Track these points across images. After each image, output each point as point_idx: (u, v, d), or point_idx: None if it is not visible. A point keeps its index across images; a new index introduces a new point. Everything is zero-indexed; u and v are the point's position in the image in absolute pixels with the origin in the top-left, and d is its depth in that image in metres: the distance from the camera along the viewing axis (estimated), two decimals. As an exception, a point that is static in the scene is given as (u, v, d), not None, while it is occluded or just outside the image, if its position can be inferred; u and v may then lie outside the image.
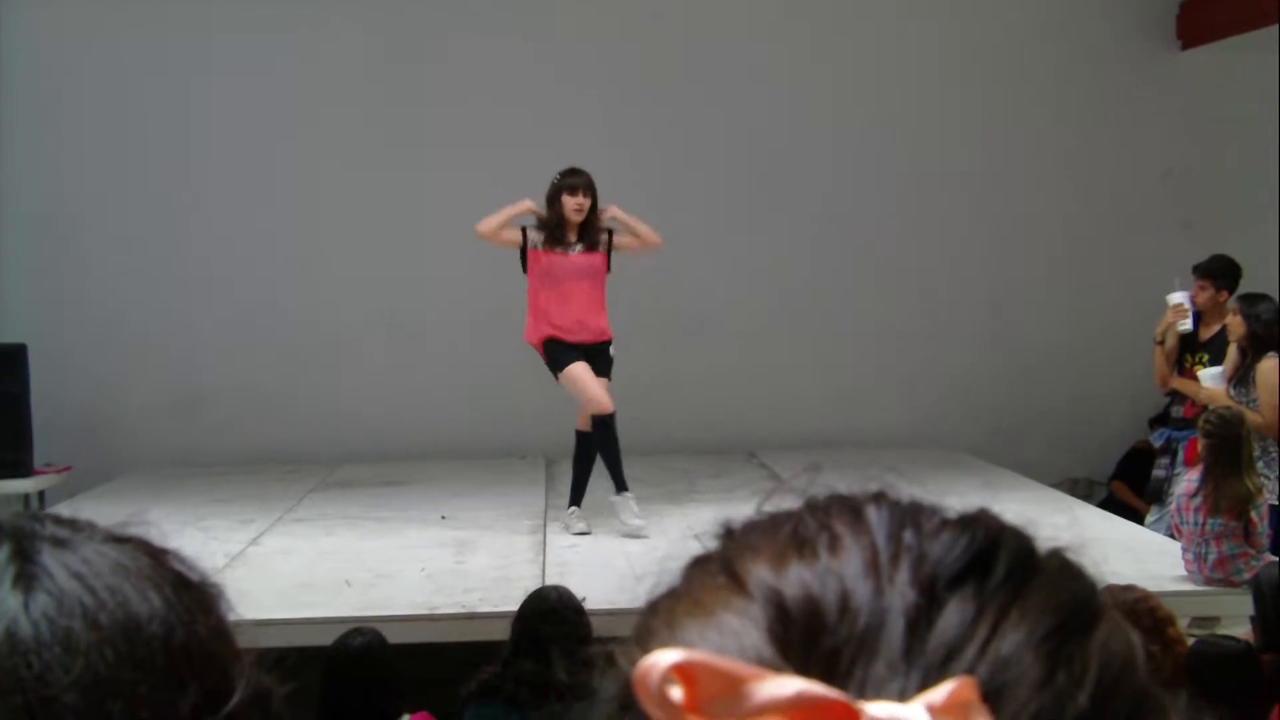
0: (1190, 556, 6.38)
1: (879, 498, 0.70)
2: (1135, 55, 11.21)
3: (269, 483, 9.63)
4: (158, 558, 0.92)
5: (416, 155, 10.75)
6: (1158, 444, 8.53)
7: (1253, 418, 7.26)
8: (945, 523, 0.67)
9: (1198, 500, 6.28)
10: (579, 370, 7.75)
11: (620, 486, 7.80)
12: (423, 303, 10.75)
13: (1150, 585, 4.81)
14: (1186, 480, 6.58)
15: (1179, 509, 6.50)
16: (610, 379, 7.93)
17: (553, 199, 7.84)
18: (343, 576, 6.83)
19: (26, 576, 0.85)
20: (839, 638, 0.62)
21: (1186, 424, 7.91)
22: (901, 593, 0.63)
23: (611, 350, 7.97)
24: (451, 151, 10.69)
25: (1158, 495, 8.28)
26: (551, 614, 4.86)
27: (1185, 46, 11.16)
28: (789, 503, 0.72)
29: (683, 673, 0.58)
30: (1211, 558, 6.26)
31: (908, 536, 0.66)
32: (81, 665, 0.81)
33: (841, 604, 0.63)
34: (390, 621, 5.61)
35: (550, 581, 6.08)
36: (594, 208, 7.87)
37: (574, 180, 7.81)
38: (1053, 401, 11.07)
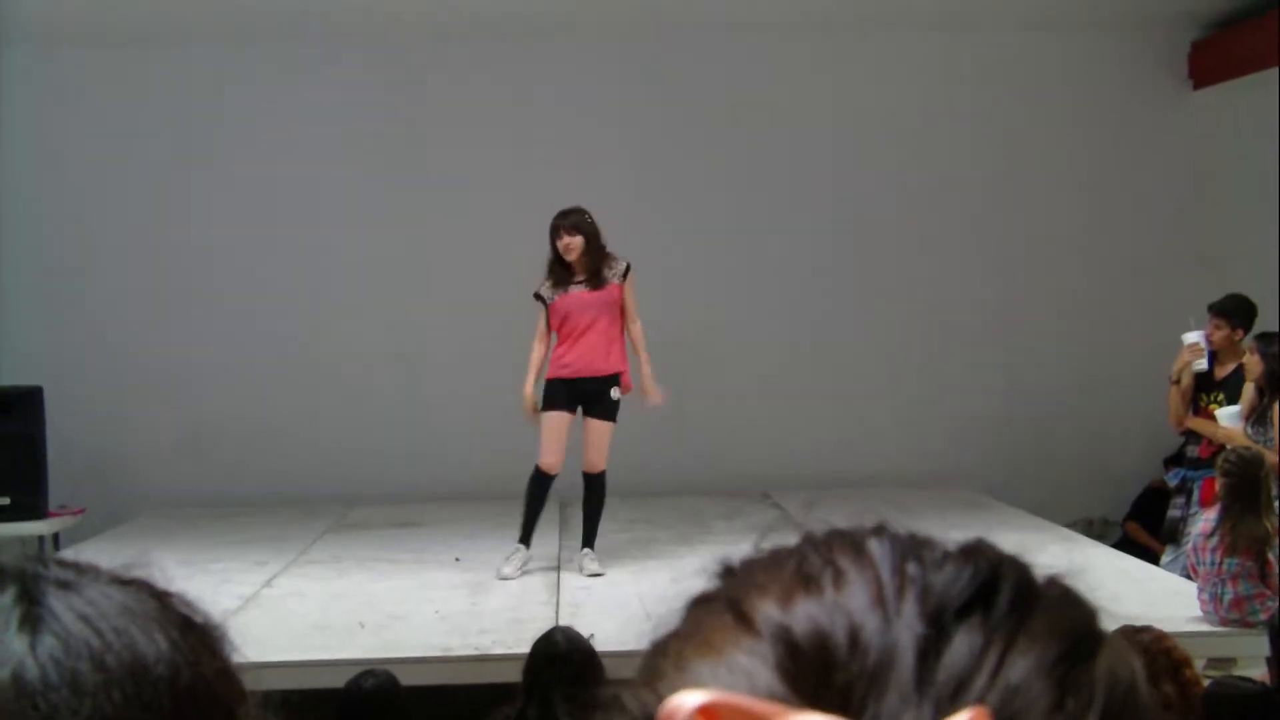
0: (1206, 597, 6.35)
1: (879, 531, 0.70)
2: (1147, 95, 11.23)
3: (282, 524, 9.62)
4: (163, 600, 0.92)
5: (428, 194, 10.78)
6: (1173, 484, 8.50)
7: (1270, 457, 7.24)
8: (948, 554, 0.68)
9: (1214, 540, 6.25)
10: (550, 419, 7.89)
11: (525, 540, 7.92)
12: (436, 344, 10.76)
13: (1165, 626, 4.78)
14: (1203, 520, 6.56)
15: (1195, 549, 6.47)
16: (615, 421, 7.93)
17: (551, 241, 7.93)
18: (356, 618, 6.83)
19: (33, 619, 0.85)
20: (850, 672, 0.62)
21: (1202, 463, 7.89)
22: (909, 625, 0.63)
23: (615, 393, 7.93)
24: (462, 191, 10.72)
25: (1173, 535, 8.24)
26: (559, 658, 4.84)
27: (1197, 86, 11.18)
28: (787, 539, 0.72)
29: (707, 714, 0.58)
30: (1228, 598, 6.23)
31: (911, 569, 0.66)
32: (89, 707, 0.81)
33: (851, 638, 0.63)
34: (403, 663, 5.61)
35: (563, 623, 6.06)
36: (593, 242, 7.90)
37: (558, 221, 7.91)
38: (1067, 441, 11.04)
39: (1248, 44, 10.31)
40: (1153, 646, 4.30)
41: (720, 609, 0.68)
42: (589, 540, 7.99)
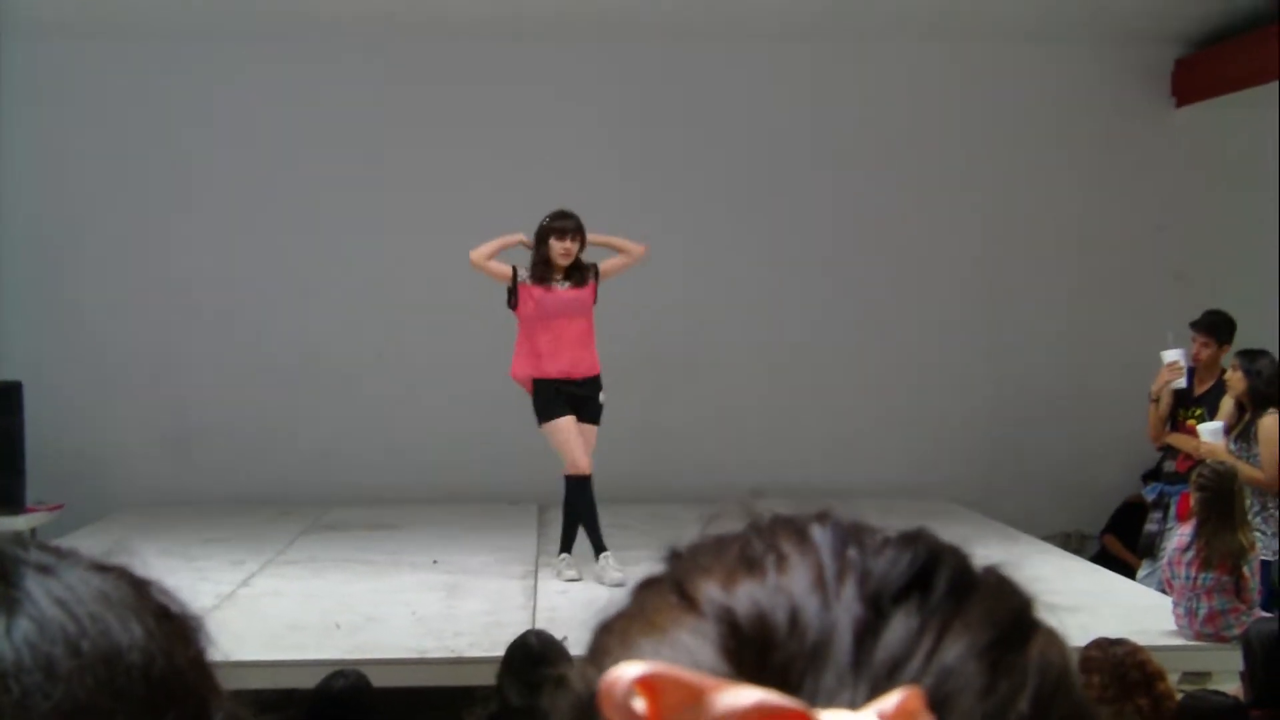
0: (1181, 611, 6.37)
1: (822, 517, 0.72)
2: (1131, 112, 11.27)
3: (260, 524, 9.60)
4: (140, 588, 0.92)
5: (410, 197, 10.77)
6: (1150, 498, 8.53)
7: (1254, 473, 7.27)
8: (888, 540, 0.70)
9: (1190, 554, 6.28)
10: (564, 425, 7.77)
11: (598, 548, 7.76)
12: (416, 347, 10.75)
13: (1141, 640, 4.80)
14: (1179, 534, 6.59)
15: (1171, 563, 6.49)
16: (599, 424, 7.93)
17: (541, 240, 7.90)
18: (332, 619, 6.81)
19: (9, 601, 0.85)
20: (789, 651, 0.63)
21: (1179, 478, 7.91)
22: (848, 607, 0.65)
23: (602, 397, 7.94)
24: (443, 192, 10.70)
25: (1150, 549, 8.26)
26: (533, 660, 4.84)
27: (1180, 104, 11.22)
28: (732, 526, 0.74)
29: (646, 685, 0.59)
30: (1202, 613, 6.25)
31: (852, 554, 0.68)
32: (62, 691, 0.81)
33: (791, 619, 0.64)
34: (379, 664, 5.60)
35: (539, 626, 6.06)
36: (583, 248, 7.94)
37: (563, 224, 7.86)
38: (1046, 455, 11.06)
39: (1231, 63, 10.36)
40: (1127, 660, 4.31)
41: (665, 590, 0.70)
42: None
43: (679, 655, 0.64)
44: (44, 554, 0.90)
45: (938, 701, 0.61)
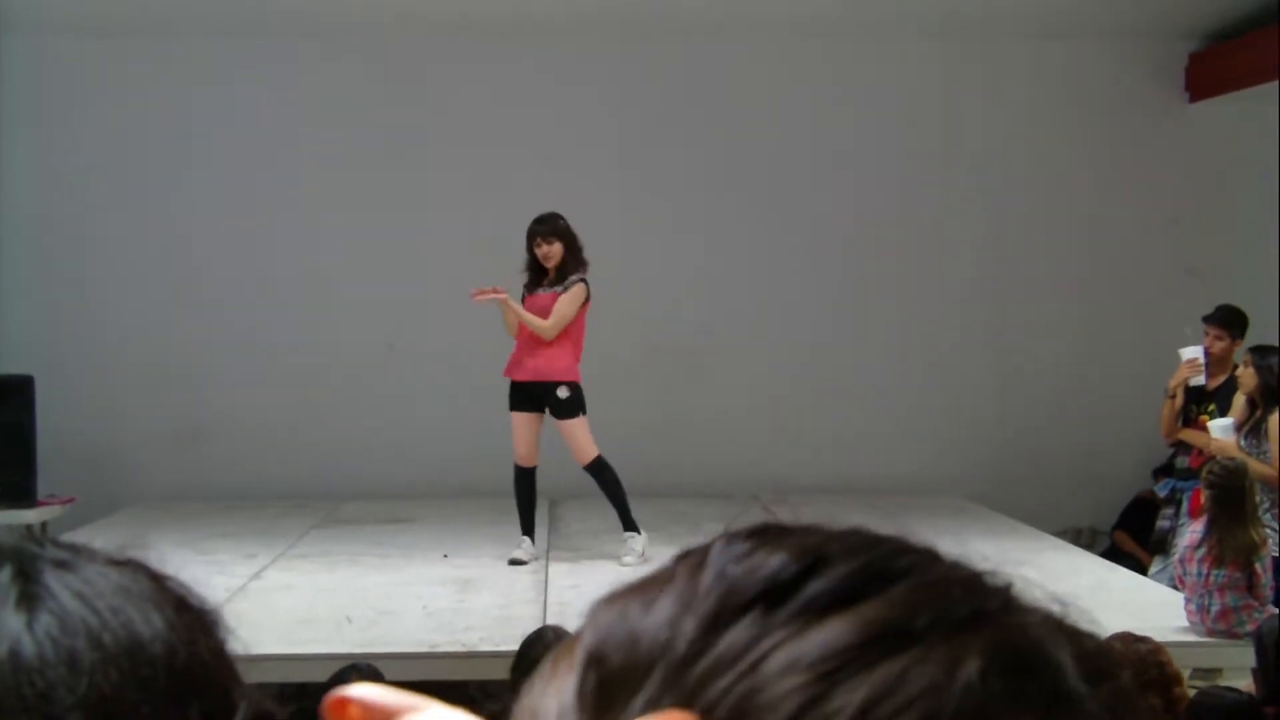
0: (1193, 607, 6.37)
1: (737, 534, 0.65)
2: (1144, 107, 11.25)
3: (272, 518, 9.62)
4: (158, 581, 0.92)
5: (417, 192, 10.79)
6: (1162, 494, 8.51)
7: (1263, 470, 7.25)
8: (770, 544, 0.62)
9: (1202, 551, 6.27)
10: (515, 420, 8.22)
11: (525, 531, 8.19)
12: (427, 341, 10.76)
13: (1153, 635, 4.79)
14: (1191, 531, 6.57)
15: (1183, 560, 6.48)
16: (578, 415, 8.09)
17: (528, 246, 8.12)
18: (344, 613, 6.83)
19: (30, 597, 0.85)
20: (615, 676, 0.59)
21: (1191, 474, 7.89)
22: (685, 626, 0.59)
23: (561, 391, 8.05)
24: (452, 187, 10.72)
25: (1162, 546, 8.25)
26: (547, 653, 4.84)
27: (1194, 99, 11.20)
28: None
29: (353, 705, 0.59)
30: (1215, 609, 6.24)
31: (731, 567, 0.61)
32: (86, 685, 0.82)
33: (629, 644, 0.60)
34: (390, 659, 5.61)
35: (551, 621, 6.07)
36: (570, 247, 8.03)
37: (537, 228, 8.07)
38: (1057, 450, 11.05)
39: (1246, 58, 10.33)
40: (1148, 658, 4.30)
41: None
42: (626, 524, 8.16)
43: (550, 684, 0.62)
44: (62, 550, 0.91)
45: (733, 717, 0.55)
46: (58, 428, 9.81)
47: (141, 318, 10.73)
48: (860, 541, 0.62)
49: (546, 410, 8.15)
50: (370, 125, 10.85)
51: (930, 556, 0.62)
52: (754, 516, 0.68)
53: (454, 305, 10.49)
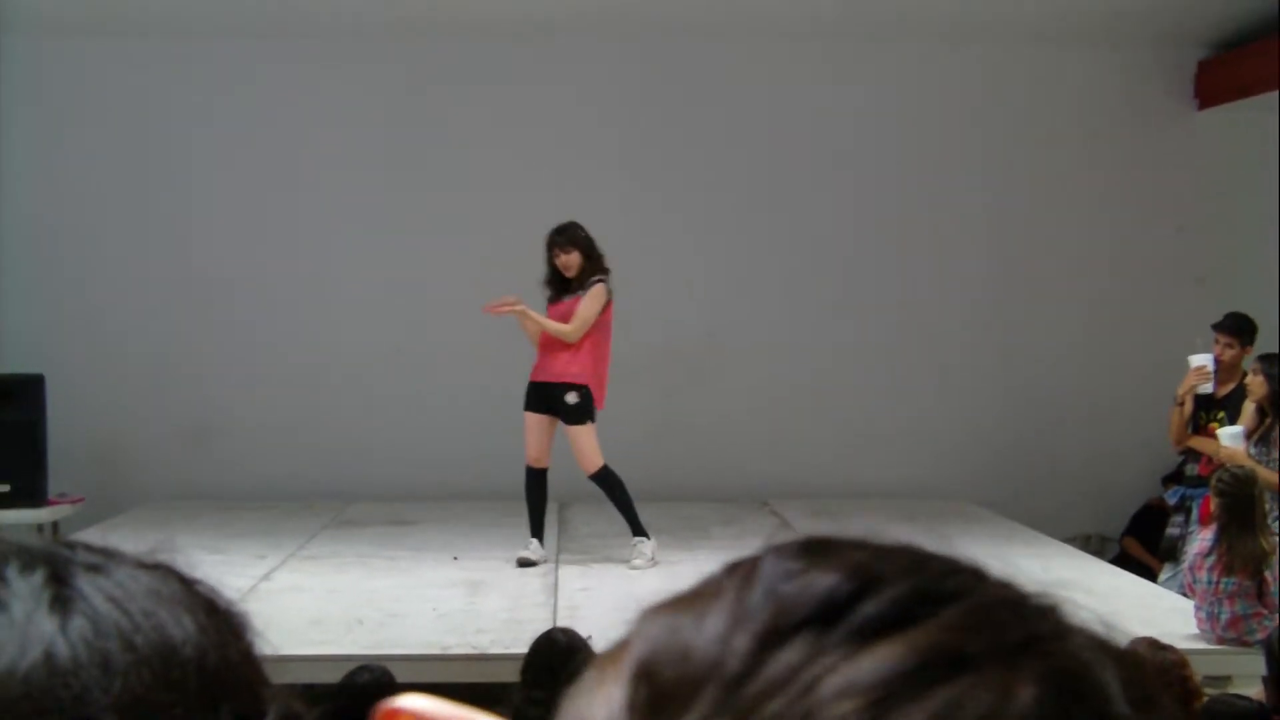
0: (1203, 615, 6.37)
1: (786, 548, 0.65)
2: (1153, 114, 11.25)
3: (281, 518, 9.64)
4: (188, 584, 0.93)
5: (426, 192, 10.80)
6: (1172, 501, 8.51)
7: (1272, 478, 7.25)
8: (825, 562, 0.62)
9: (1211, 559, 6.27)
10: (526, 421, 8.27)
11: (534, 533, 8.19)
12: (436, 343, 10.77)
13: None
14: (1200, 539, 6.57)
15: (1192, 567, 6.48)
16: (585, 423, 8.13)
17: (547, 257, 8.16)
18: (354, 615, 6.84)
19: (63, 600, 0.86)
20: (667, 690, 0.59)
21: (1201, 482, 7.88)
22: (741, 642, 0.59)
23: (570, 398, 8.09)
24: (462, 188, 10.74)
25: (1172, 553, 8.24)
26: (559, 657, 4.86)
27: (1202, 106, 11.19)
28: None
29: (412, 718, 0.59)
30: (1224, 617, 6.24)
31: (782, 584, 0.61)
32: (119, 686, 0.82)
33: (681, 658, 0.60)
34: (401, 660, 5.62)
35: (561, 624, 6.08)
36: (589, 255, 8.06)
37: (556, 238, 8.11)
38: (1066, 456, 11.04)
39: (1254, 65, 10.32)
40: (1171, 671, 4.28)
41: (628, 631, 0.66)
42: (634, 529, 8.18)
43: (598, 692, 0.62)
44: (93, 553, 0.92)
45: None
46: (67, 427, 9.83)
47: (151, 318, 10.75)
48: (911, 561, 0.62)
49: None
50: (376, 126, 10.87)
51: (978, 577, 0.62)
52: (798, 529, 0.69)
53: (461, 306, 10.53)
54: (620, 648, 0.63)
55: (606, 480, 8.15)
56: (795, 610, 0.59)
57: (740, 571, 0.63)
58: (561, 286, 8.10)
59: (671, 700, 0.58)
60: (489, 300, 8.15)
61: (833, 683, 0.56)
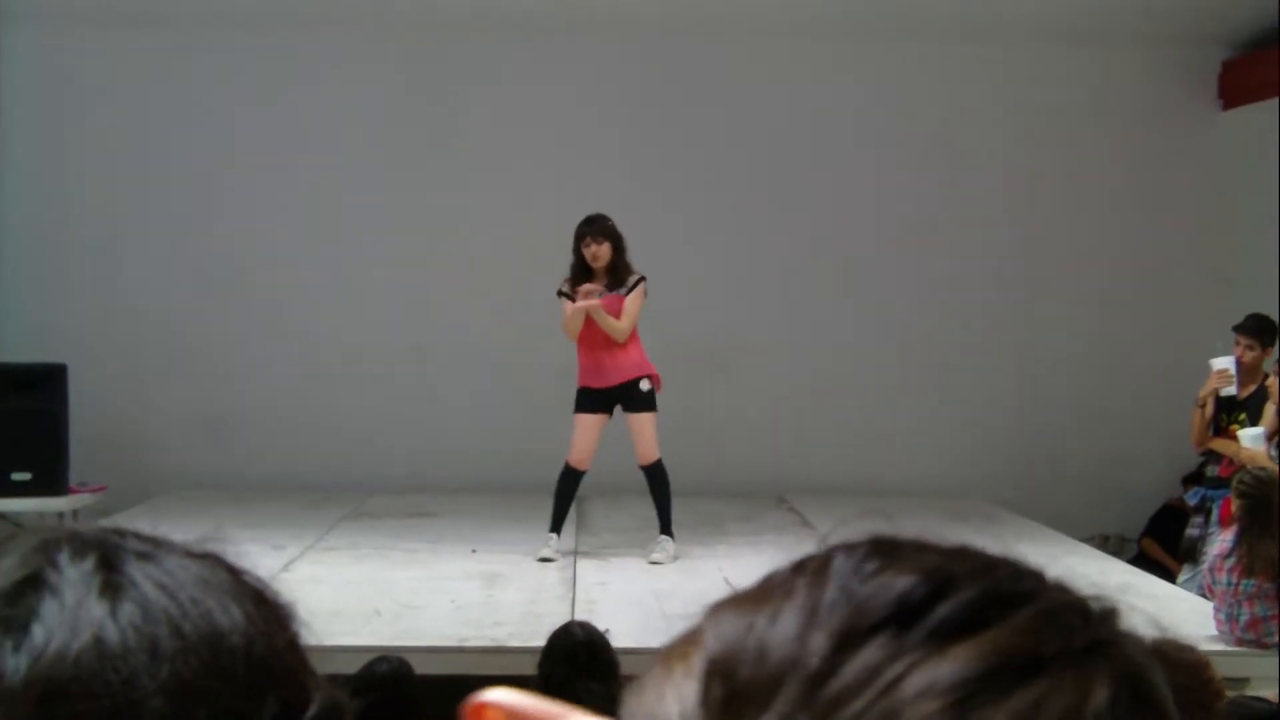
0: (1222, 617, 6.35)
1: (856, 547, 0.67)
2: (1176, 115, 11.22)
3: (300, 510, 9.66)
4: (236, 574, 0.94)
5: (447, 186, 10.83)
6: (1192, 502, 8.49)
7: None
8: (900, 564, 0.64)
9: (1231, 560, 6.25)
10: (584, 422, 8.13)
11: (555, 528, 8.16)
12: (455, 337, 10.80)
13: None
14: (1220, 540, 6.55)
15: (1212, 569, 6.47)
16: (654, 410, 8.14)
17: (575, 249, 8.07)
18: (372, 606, 6.86)
19: (113, 586, 0.87)
20: (743, 687, 0.61)
21: (1222, 483, 7.87)
22: (818, 640, 0.61)
23: (645, 384, 8.09)
24: (482, 183, 10.76)
25: (1191, 554, 8.23)
26: (576, 651, 4.87)
27: (1226, 106, 11.16)
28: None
29: (501, 712, 0.60)
30: (1244, 619, 6.23)
31: (855, 584, 0.63)
32: (167, 672, 0.83)
33: (758, 655, 0.62)
34: (419, 652, 5.63)
35: (579, 618, 6.09)
36: (618, 248, 8.03)
37: (586, 229, 8.04)
38: (1084, 456, 11.03)
39: (1278, 65, 10.28)
40: (1196, 672, 4.25)
41: (694, 626, 0.68)
42: (665, 526, 8.18)
43: (666, 690, 0.63)
44: (142, 542, 0.93)
45: None
46: (89, 416, 9.86)
47: (173, 308, 10.78)
48: (979, 564, 0.64)
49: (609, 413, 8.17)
50: (401, 122, 10.89)
51: (1041, 580, 0.65)
52: (861, 527, 0.69)
53: (482, 300, 10.57)
54: (687, 643, 0.65)
55: (660, 473, 8.17)
56: (873, 611, 0.61)
57: (810, 569, 0.65)
58: (586, 279, 8.04)
59: (749, 698, 0.60)
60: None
61: (914, 683, 0.58)
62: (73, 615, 0.85)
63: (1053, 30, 10.79)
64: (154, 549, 0.92)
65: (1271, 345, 8.14)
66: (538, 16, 10.51)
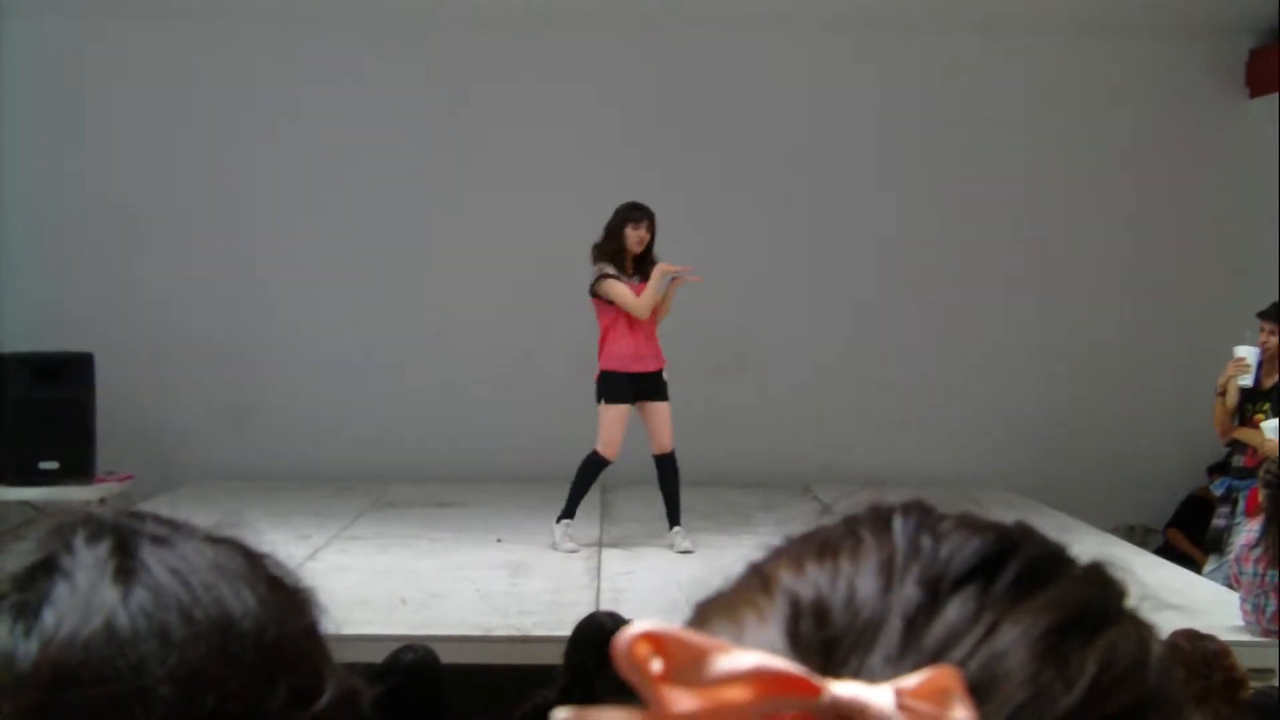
0: (1249, 607, 6.32)
1: (909, 508, 0.73)
2: (1202, 102, 11.16)
3: (324, 499, 9.69)
4: (253, 559, 0.94)
5: (466, 178, 10.84)
6: (1218, 493, 8.44)
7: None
8: (962, 526, 0.71)
9: (1258, 551, 6.22)
10: (618, 412, 8.16)
11: (568, 514, 8.18)
12: (476, 327, 10.80)
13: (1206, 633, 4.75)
14: (1247, 531, 6.52)
15: (1239, 559, 6.44)
16: (669, 399, 8.19)
17: (614, 231, 8.11)
18: (398, 595, 6.88)
19: (126, 571, 0.87)
20: (841, 632, 0.65)
21: (1248, 473, 7.82)
22: (907, 592, 0.66)
23: (666, 374, 8.22)
24: (501, 174, 10.77)
25: (1217, 544, 8.18)
26: (604, 640, 4.86)
27: (1253, 95, 11.09)
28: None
29: (655, 644, 0.60)
30: (1270, 609, 6.20)
31: (925, 541, 0.70)
32: (176, 658, 0.83)
33: (848, 601, 0.66)
34: (444, 641, 5.64)
35: (604, 607, 6.09)
36: (652, 241, 8.12)
37: (637, 214, 8.11)
38: (1109, 446, 10.98)
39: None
40: (1214, 660, 4.24)
41: (750, 574, 0.72)
42: (676, 517, 8.20)
43: (742, 633, 0.67)
44: (160, 526, 0.93)
45: (981, 685, 0.62)
46: (116, 405, 9.90)
47: (198, 299, 10.82)
48: (1020, 528, 0.72)
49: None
50: (419, 116, 10.89)
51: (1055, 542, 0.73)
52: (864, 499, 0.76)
53: (501, 289, 10.60)
54: (751, 591, 0.70)
55: (674, 463, 8.21)
56: (958, 566, 0.67)
57: (871, 527, 0.72)
58: (623, 262, 8.11)
59: (850, 642, 0.65)
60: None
61: (1010, 629, 0.64)
62: (85, 600, 0.85)
63: (1076, 20, 10.74)
64: (171, 533, 0.92)
65: (1295, 332, 8.08)
66: (559, 13, 10.50)
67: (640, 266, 8.12)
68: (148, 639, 0.84)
